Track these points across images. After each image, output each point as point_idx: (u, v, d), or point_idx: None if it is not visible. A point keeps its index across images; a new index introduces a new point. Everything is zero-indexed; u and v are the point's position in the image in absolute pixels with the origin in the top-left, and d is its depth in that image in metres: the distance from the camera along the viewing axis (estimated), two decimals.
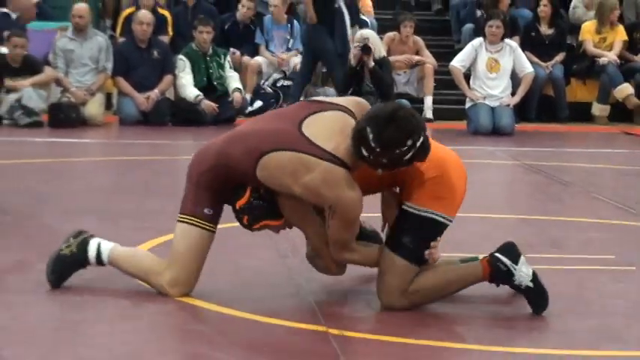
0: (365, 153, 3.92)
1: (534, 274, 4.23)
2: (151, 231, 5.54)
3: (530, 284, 4.21)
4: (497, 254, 4.27)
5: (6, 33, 11.92)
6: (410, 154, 3.94)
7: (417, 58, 12.71)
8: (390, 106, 4.05)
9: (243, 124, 4.42)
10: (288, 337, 3.99)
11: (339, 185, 3.94)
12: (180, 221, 4.22)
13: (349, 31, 11.94)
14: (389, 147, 3.91)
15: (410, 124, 3.94)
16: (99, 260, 4.35)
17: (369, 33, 11.55)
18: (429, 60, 12.78)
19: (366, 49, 11.24)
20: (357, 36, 11.49)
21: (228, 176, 4.15)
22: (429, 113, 12.66)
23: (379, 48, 11.54)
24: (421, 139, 3.94)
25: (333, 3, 11.81)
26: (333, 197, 3.95)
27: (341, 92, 11.62)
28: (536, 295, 4.24)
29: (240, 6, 12.85)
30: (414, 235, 4.15)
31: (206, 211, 4.19)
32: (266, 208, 4.16)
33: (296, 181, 3.96)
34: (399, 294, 4.15)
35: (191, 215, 4.19)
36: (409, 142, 3.92)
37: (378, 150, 3.90)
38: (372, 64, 11.32)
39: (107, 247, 4.36)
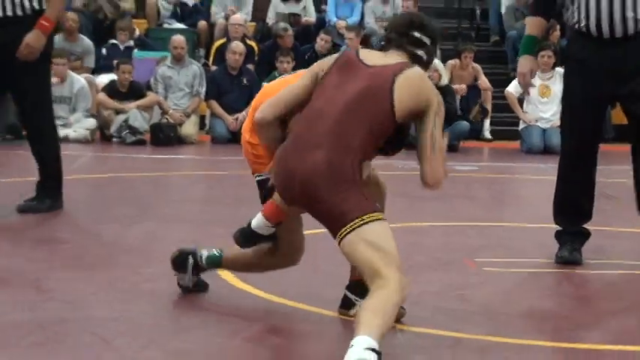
0: (422, 54, 3.69)
1: None
2: (226, 239, 5.57)
3: None
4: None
5: (115, 61, 12.13)
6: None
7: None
8: (407, 14, 3.91)
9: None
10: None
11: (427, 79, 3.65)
12: (378, 219, 3.40)
13: None
14: (436, 38, 3.74)
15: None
16: None
17: (436, 64, 11.51)
18: (486, 85, 12.75)
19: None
20: None
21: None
22: (487, 134, 12.65)
23: (443, 76, 11.52)
24: None
25: None
26: (433, 89, 3.62)
27: None
28: None
29: (318, 39, 12.92)
30: None
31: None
32: None
33: (414, 87, 3.53)
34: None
35: (376, 211, 3.43)
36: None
37: (432, 45, 3.71)
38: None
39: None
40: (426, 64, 3.70)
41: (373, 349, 3.10)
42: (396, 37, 3.68)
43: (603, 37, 5.09)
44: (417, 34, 3.67)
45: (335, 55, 3.72)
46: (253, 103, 4.05)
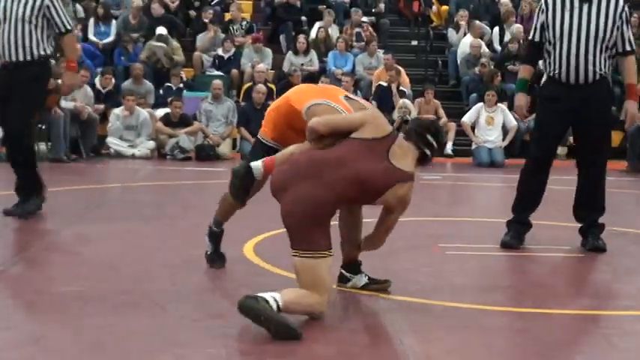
0: (429, 153, 3.68)
1: None
2: (254, 229, 5.52)
3: None
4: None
5: (169, 99, 12.10)
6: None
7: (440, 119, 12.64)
8: (429, 120, 3.98)
9: (334, 155, 3.53)
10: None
11: (410, 192, 3.63)
12: (324, 257, 3.40)
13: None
14: (442, 144, 3.78)
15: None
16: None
17: (406, 103, 11.41)
18: (444, 117, 12.66)
19: (405, 121, 11.20)
20: (400, 103, 11.38)
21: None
22: (449, 151, 12.57)
23: (413, 111, 11.43)
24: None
25: None
26: (407, 201, 3.64)
27: None
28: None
29: (320, 82, 12.86)
30: None
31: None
32: None
33: (396, 197, 3.56)
34: None
35: (327, 249, 3.42)
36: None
37: (437, 149, 3.71)
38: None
39: (278, 299, 3.29)
40: (429, 160, 3.73)
41: (275, 300, 3.22)
42: (415, 135, 3.67)
43: (570, 82, 5.12)
44: (430, 138, 3.69)
45: (388, 133, 3.61)
46: (292, 91, 4.06)
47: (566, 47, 5.09)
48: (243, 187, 3.82)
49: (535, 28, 5.27)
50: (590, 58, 5.06)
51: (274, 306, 3.22)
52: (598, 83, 5.11)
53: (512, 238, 5.27)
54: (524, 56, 5.61)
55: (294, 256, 3.43)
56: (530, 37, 5.37)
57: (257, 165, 3.76)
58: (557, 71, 5.14)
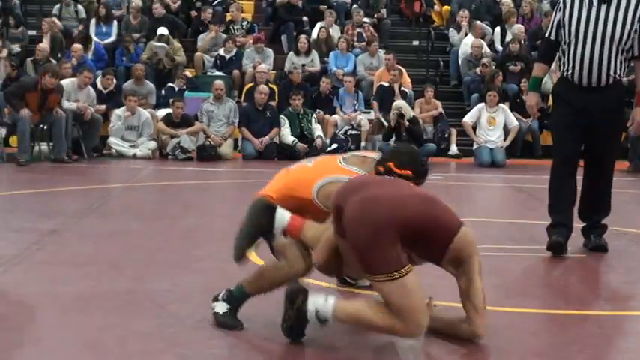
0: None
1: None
2: None
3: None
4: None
5: (171, 99, 12.10)
6: None
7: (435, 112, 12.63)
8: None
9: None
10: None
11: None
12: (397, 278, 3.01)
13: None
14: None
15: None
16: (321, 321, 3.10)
17: (400, 103, 11.40)
18: (444, 115, 12.64)
19: (400, 116, 11.21)
20: (394, 105, 11.37)
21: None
22: (455, 151, 12.54)
23: (409, 112, 11.42)
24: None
25: None
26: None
27: (385, 143, 11.47)
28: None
29: (321, 82, 12.88)
30: None
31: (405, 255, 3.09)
32: None
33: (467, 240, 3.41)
34: None
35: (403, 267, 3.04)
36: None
37: None
38: (406, 124, 11.22)
39: (326, 308, 3.08)
40: None
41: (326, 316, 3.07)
42: None
43: (583, 84, 5.01)
44: None
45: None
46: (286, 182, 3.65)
47: (580, 47, 4.96)
48: (256, 222, 3.34)
49: (552, 26, 5.14)
50: (605, 60, 4.93)
51: (323, 319, 3.04)
52: (612, 86, 4.97)
53: (555, 239, 5.05)
54: (539, 54, 5.46)
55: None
56: (546, 35, 5.24)
57: (283, 215, 3.26)
58: (570, 72, 5.02)
